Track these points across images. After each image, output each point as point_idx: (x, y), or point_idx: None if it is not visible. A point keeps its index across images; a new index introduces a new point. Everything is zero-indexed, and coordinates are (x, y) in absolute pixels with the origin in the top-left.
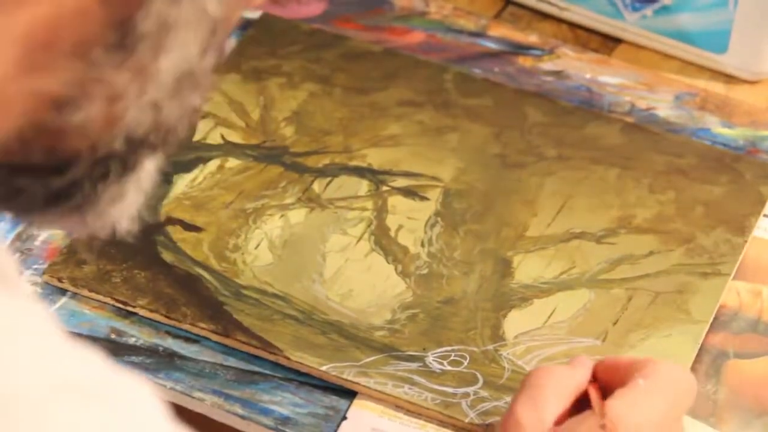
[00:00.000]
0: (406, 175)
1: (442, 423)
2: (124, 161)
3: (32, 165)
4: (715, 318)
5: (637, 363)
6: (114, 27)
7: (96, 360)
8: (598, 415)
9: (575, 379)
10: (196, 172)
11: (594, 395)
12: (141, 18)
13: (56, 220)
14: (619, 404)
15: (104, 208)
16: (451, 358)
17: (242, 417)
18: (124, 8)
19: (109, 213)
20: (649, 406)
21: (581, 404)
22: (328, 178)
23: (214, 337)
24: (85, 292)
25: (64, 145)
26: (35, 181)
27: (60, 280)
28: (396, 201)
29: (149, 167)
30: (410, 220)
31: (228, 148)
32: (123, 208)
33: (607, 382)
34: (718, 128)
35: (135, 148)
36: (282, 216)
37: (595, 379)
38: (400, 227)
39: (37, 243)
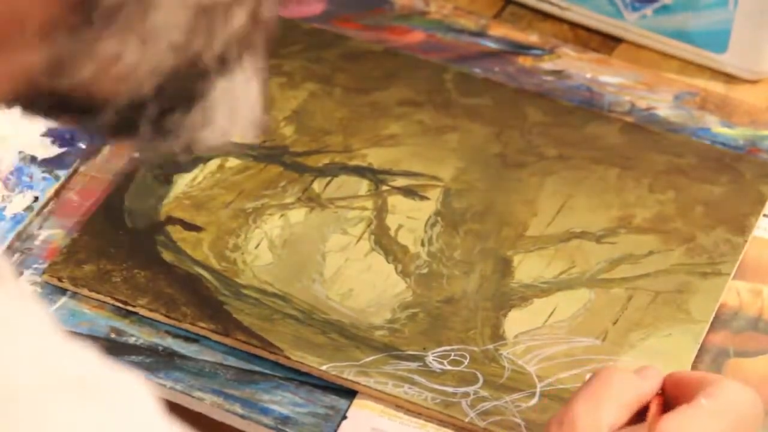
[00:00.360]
0: (406, 174)
1: (442, 423)
2: (181, 96)
3: (61, 107)
4: (716, 317)
5: (704, 380)
6: (76, 7)
7: (93, 358)
8: (647, 430)
9: (641, 389)
10: (196, 171)
11: (653, 409)
12: None
13: (151, 144)
14: (673, 422)
15: (195, 133)
16: (451, 357)
17: (242, 416)
18: None
19: (204, 136)
20: (706, 428)
21: (642, 416)
22: (328, 178)
23: (214, 337)
24: (85, 292)
25: (75, 96)
26: (79, 117)
27: (60, 279)
28: (396, 200)
29: (233, 88)
30: (410, 219)
31: (228, 148)
32: (219, 129)
33: (674, 396)
34: (718, 128)
35: (183, 82)
36: (282, 216)
37: (663, 392)
38: (400, 227)
39: (37, 243)
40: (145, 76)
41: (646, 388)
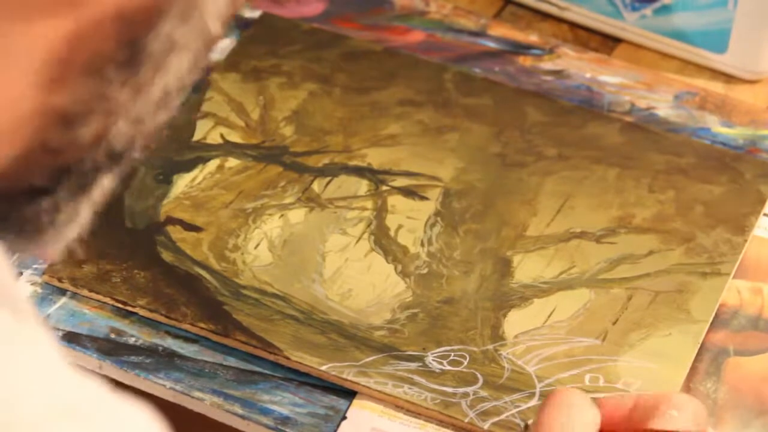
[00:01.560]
0: (406, 174)
1: (441, 423)
2: (95, 175)
3: (33, 187)
4: (716, 316)
5: (656, 399)
6: (126, 45)
7: (94, 386)
8: None
9: (597, 416)
10: (195, 171)
11: None
12: (152, 37)
13: (10, 246)
14: None
15: (61, 229)
16: (451, 357)
17: (242, 417)
18: (138, 26)
19: (64, 232)
20: None
21: None
22: (328, 178)
23: (214, 337)
24: (85, 292)
25: (60, 162)
26: (27, 204)
27: (60, 280)
28: (396, 201)
29: (105, 183)
30: (410, 219)
31: (228, 148)
32: (76, 227)
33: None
34: (718, 128)
35: (109, 161)
36: (282, 216)
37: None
38: (399, 227)
39: None
40: (110, 140)
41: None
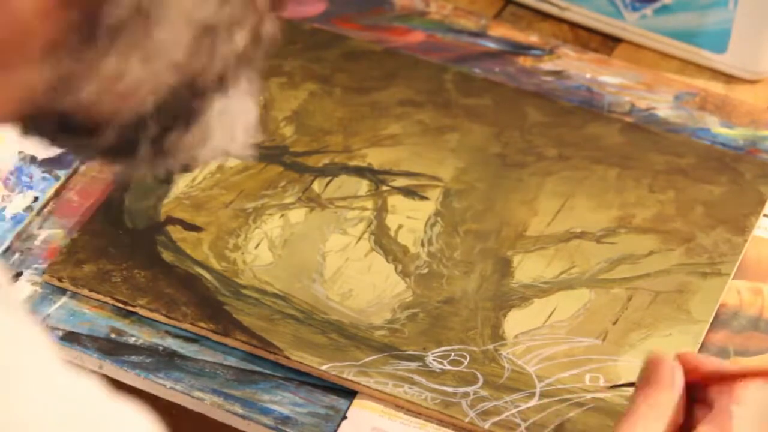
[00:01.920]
0: (406, 174)
1: (442, 422)
2: (180, 114)
3: (62, 128)
4: (716, 317)
5: (725, 375)
6: (80, 25)
7: (94, 388)
8: None
9: (674, 400)
10: (195, 171)
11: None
12: (109, 10)
13: (145, 166)
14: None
15: (194, 150)
16: (451, 357)
17: (242, 416)
18: (86, 5)
19: (203, 152)
20: None
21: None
22: (328, 178)
23: (214, 337)
24: (85, 292)
25: (77, 117)
26: (78, 140)
27: (60, 279)
28: (396, 201)
29: (229, 104)
30: (410, 219)
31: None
32: (217, 144)
33: (698, 388)
34: (718, 128)
35: (182, 101)
36: (282, 216)
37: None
38: (400, 227)
39: (37, 243)
40: (146, 95)
41: (677, 396)
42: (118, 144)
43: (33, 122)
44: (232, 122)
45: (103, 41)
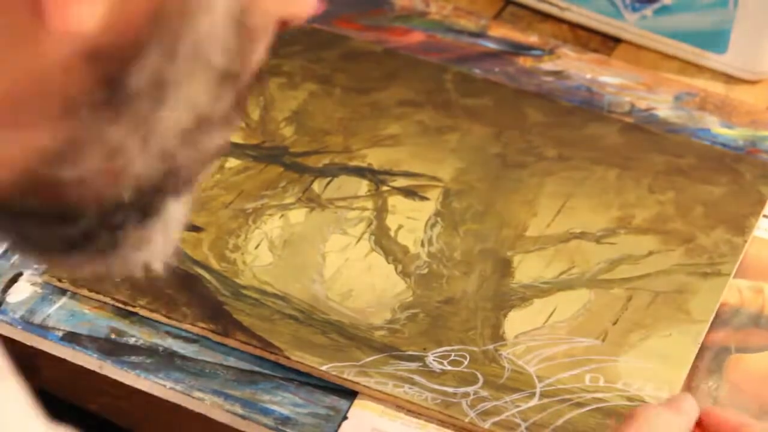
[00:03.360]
0: (406, 175)
1: (442, 423)
2: (142, 208)
3: (36, 213)
4: (716, 316)
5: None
6: (102, 85)
7: None
8: None
9: (681, 428)
10: None
11: None
12: (132, 75)
13: (79, 265)
14: None
15: (128, 253)
16: (451, 357)
17: (242, 417)
18: (113, 66)
19: (135, 257)
20: None
21: None
22: (328, 178)
23: (214, 337)
24: (85, 292)
25: (65, 196)
26: (43, 228)
27: (60, 279)
28: (396, 201)
29: (175, 210)
30: (410, 220)
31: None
32: (151, 252)
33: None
34: (718, 128)
35: (151, 195)
36: (282, 216)
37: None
38: (400, 227)
39: None
40: (132, 179)
41: (685, 425)
42: (79, 235)
43: (13, 196)
44: (171, 228)
45: (118, 108)
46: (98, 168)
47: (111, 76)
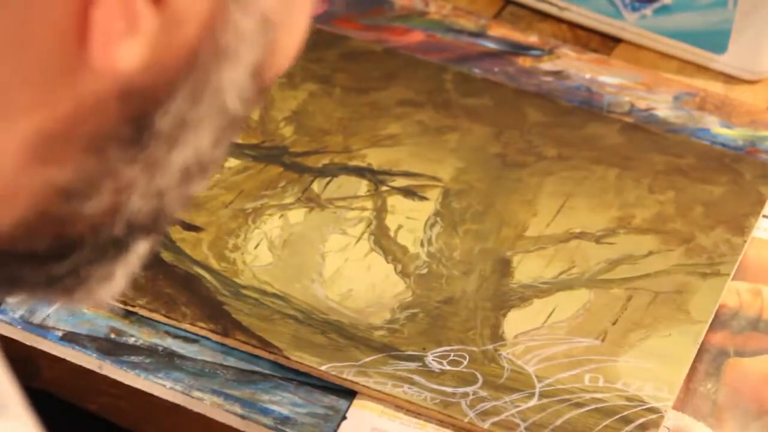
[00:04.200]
0: (406, 175)
1: (441, 423)
2: (121, 244)
3: (35, 252)
4: (715, 317)
5: None
6: (131, 123)
7: None
8: None
9: None
10: None
11: None
12: (159, 116)
13: (44, 299)
14: None
15: (93, 288)
16: (451, 357)
17: (242, 417)
18: (143, 105)
19: (96, 292)
20: None
21: None
22: (328, 178)
23: (214, 337)
24: None
25: (68, 232)
26: (36, 268)
27: None
28: (395, 201)
29: (141, 249)
30: (410, 219)
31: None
32: (110, 288)
33: None
34: (718, 128)
35: (133, 232)
36: (281, 216)
37: None
38: (399, 227)
39: None
40: (125, 216)
41: None
42: (65, 272)
43: (16, 236)
44: (131, 265)
45: (141, 147)
46: (105, 204)
47: (140, 115)
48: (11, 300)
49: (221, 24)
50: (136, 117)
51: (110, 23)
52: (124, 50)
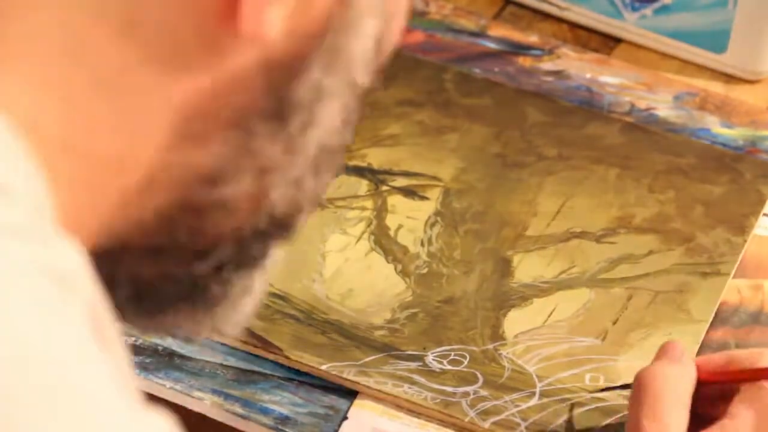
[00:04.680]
0: (406, 174)
1: (442, 423)
2: (261, 244)
3: (175, 247)
4: (716, 315)
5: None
6: (272, 95)
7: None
8: None
9: (689, 380)
10: None
11: None
12: (297, 86)
13: (186, 318)
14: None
15: (234, 302)
16: (451, 357)
17: (242, 416)
18: (283, 75)
19: (237, 307)
20: None
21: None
22: None
23: (214, 337)
24: None
25: (209, 224)
26: (177, 265)
27: None
28: (396, 200)
29: (275, 255)
30: (410, 219)
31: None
32: (249, 302)
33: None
34: (718, 128)
35: (272, 228)
36: None
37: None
38: (399, 227)
39: None
40: (268, 208)
41: (690, 378)
42: (207, 272)
43: (159, 228)
44: (264, 278)
45: (280, 121)
46: (246, 190)
47: (280, 86)
48: None
49: None
50: (277, 88)
51: None
52: (272, 15)
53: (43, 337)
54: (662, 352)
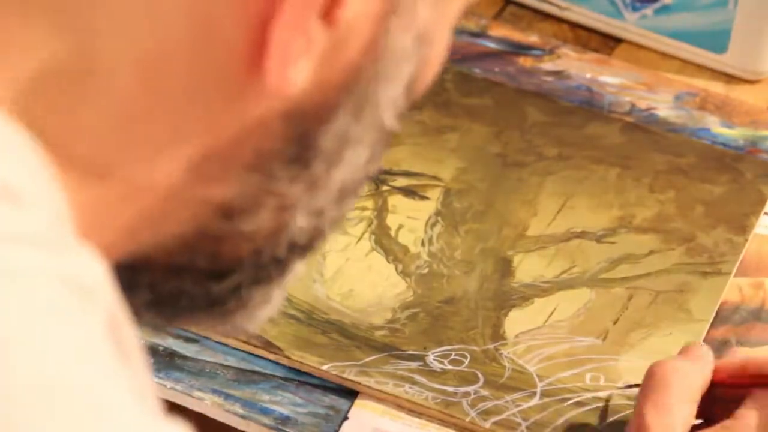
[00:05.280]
0: (407, 174)
1: (443, 422)
2: (281, 265)
3: (194, 268)
4: (717, 314)
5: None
6: (295, 142)
7: None
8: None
9: (700, 378)
10: None
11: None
12: (322, 134)
13: (202, 323)
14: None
15: (252, 311)
16: (452, 357)
17: (242, 416)
18: (308, 124)
19: (255, 315)
20: None
21: (704, 401)
22: None
23: (214, 337)
24: None
25: (228, 250)
26: (195, 284)
27: None
28: (396, 200)
29: (297, 269)
30: (411, 219)
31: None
32: (267, 311)
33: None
34: (718, 128)
35: (293, 252)
36: None
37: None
38: (400, 227)
39: None
40: (288, 237)
41: (702, 375)
42: (224, 292)
43: (178, 252)
44: (286, 287)
45: (304, 165)
46: (265, 225)
47: (304, 133)
48: None
49: (383, 42)
50: (300, 135)
51: (290, 42)
52: (297, 71)
53: (61, 346)
54: (684, 350)
